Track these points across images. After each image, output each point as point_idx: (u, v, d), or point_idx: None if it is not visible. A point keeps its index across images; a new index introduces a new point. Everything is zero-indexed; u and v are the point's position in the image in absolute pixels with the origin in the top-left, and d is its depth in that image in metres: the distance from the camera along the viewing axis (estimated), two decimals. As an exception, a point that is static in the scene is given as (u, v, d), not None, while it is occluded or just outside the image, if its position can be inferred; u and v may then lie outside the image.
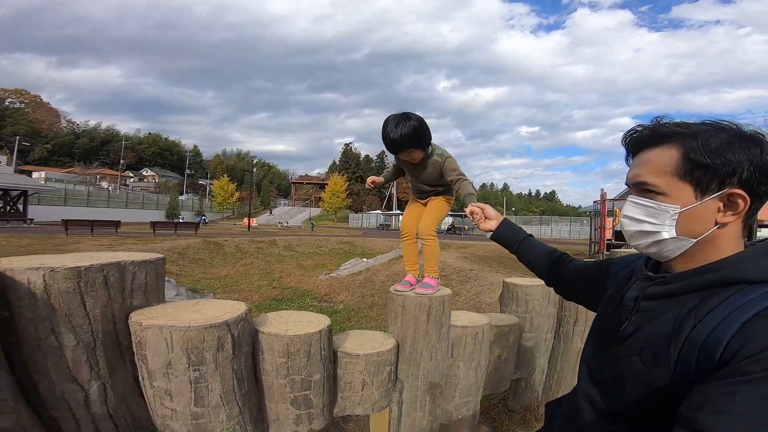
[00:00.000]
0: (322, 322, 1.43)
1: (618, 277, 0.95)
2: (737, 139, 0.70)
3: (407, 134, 1.61)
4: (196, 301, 1.33)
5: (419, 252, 1.97)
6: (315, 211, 58.05)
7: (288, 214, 55.27)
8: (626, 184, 0.83)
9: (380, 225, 43.65)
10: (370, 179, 2.04)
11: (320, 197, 61.27)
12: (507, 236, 1.30)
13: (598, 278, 1.04)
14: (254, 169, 44.94)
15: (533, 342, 2.49)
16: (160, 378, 1.10)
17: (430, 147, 1.74)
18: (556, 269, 1.22)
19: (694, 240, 0.73)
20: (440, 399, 1.89)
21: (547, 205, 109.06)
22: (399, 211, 48.76)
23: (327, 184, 56.78)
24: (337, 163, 78.13)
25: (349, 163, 75.06)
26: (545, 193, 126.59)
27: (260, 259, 13.45)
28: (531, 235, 1.32)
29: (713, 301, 0.68)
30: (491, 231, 1.33)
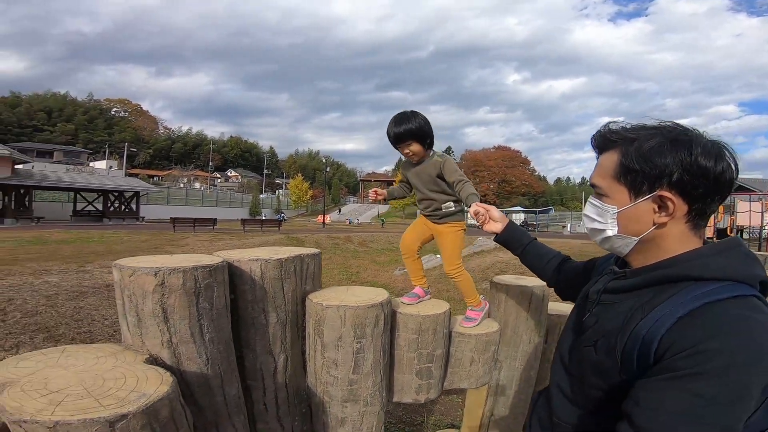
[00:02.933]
0: (444, 306, 1.72)
1: (598, 272, 0.99)
2: (668, 142, 0.72)
3: (410, 128, 1.68)
4: (346, 288, 1.68)
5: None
6: (383, 208, 59.17)
7: (357, 212, 56.95)
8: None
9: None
10: (372, 190, 2.04)
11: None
12: (513, 239, 1.32)
13: (586, 275, 1.08)
14: (327, 168, 46.96)
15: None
16: (332, 349, 1.43)
17: (431, 151, 1.77)
18: (557, 272, 1.24)
19: (636, 238, 0.77)
20: (533, 380, 2.10)
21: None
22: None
23: (394, 181, 57.53)
24: (403, 160, 78.62)
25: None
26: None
27: (338, 255, 14.25)
28: (535, 239, 1.33)
29: (661, 297, 0.70)
30: (496, 233, 1.34)
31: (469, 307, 1.84)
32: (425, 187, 1.79)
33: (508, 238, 1.33)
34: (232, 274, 1.36)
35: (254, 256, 1.38)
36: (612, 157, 0.78)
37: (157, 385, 0.90)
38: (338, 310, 1.38)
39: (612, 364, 0.71)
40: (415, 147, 1.72)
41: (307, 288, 1.56)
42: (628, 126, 0.79)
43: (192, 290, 1.09)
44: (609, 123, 0.82)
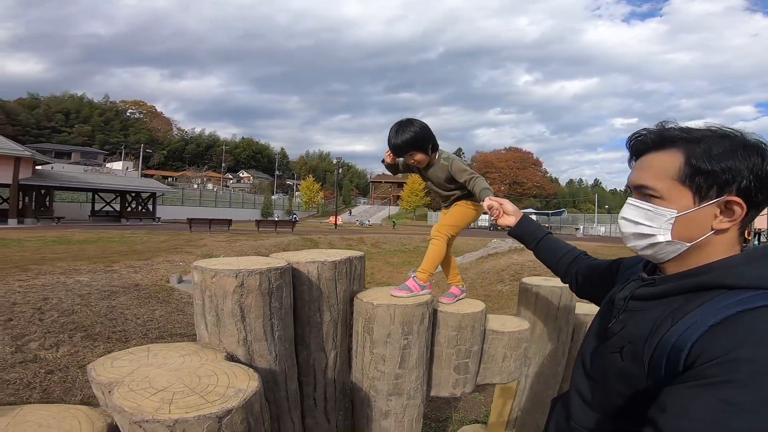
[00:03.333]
0: (480, 305, 1.81)
1: (624, 276, 0.97)
2: (740, 147, 0.70)
3: (407, 139, 1.66)
4: (387, 287, 1.80)
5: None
6: (394, 210, 59.25)
7: (368, 213, 57.15)
8: (627, 186, 0.84)
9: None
10: (388, 152, 1.85)
11: (399, 196, 62.49)
12: (527, 232, 1.31)
13: (609, 277, 1.05)
14: (339, 170, 47.29)
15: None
16: (380, 346, 1.54)
17: (437, 153, 1.76)
18: (572, 267, 1.22)
19: (689, 244, 0.74)
20: (560, 376, 2.19)
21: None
22: (479, 209, 47.83)
23: (405, 182, 57.70)
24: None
25: (426, 162, 74.96)
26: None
27: (351, 256, 14.38)
28: (550, 233, 1.32)
29: (692, 304, 0.69)
30: (509, 227, 1.33)
31: (413, 275, 1.72)
32: (440, 188, 1.82)
33: (522, 232, 1.32)
34: (293, 275, 1.48)
35: (310, 258, 1.49)
36: (670, 157, 0.74)
37: (247, 380, 0.97)
38: (388, 309, 1.49)
39: (639, 371, 0.70)
40: (419, 156, 1.72)
41: (354, 288, 1.67)
42: (681, 127, 0.76)
43: (266, 291, 1.20)
44: (662, 123, 0.79)
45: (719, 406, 0.57)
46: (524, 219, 1.33)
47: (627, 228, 0.81)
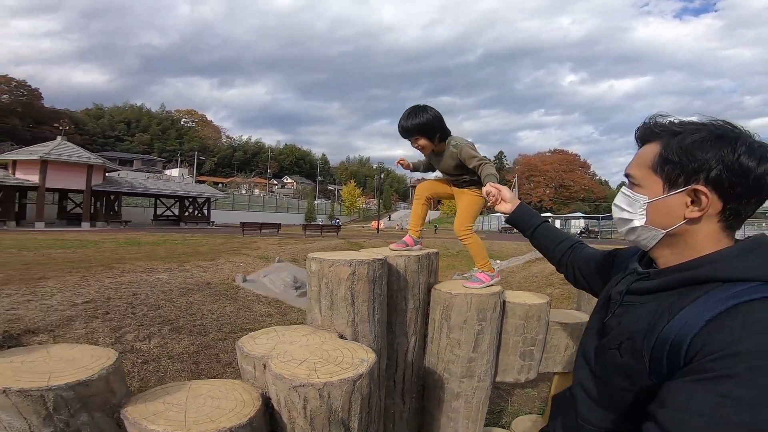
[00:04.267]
0: (545, 297, 1.98)
1: (620, 268, 0.98)
2: (712, 138, 0.71)
3: (416, 123, 1.70)
4: (457, 281, 2.03)
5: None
6: (434, 214, 59.01)
7: (408, 217, 57.12)
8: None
9: (502, 228, 42.54)
10: (398, 161, 2.10)
11: (439, 200, 62.04)
12: (523, 220, 1.33)
13: (605, 267, 1.07)
14: (382, 174, 47.93)
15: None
16: (457, 331, 1.76)
17: (446, 141, 1.80)
18: (567, 256, 1.24)
19: (663, 231, 0.77)
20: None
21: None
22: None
23: (446, 186, 57.14)
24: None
25: (468, 166, 74.12)
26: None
27: (395, 259, 14.63)
28: (547, 221, 1.34)
29: (688, 298, 0.69)
30: (506, 213, 1.36)
31: (479, 270, 1.84)
32: (450, 175, 1.89)
33: (518, 219, 1.34)
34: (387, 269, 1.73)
35: (398, 253, 1.76)
36: (652, 149, 0.78)
37: (365, 353, 1.17)
38: (465, 297, 1.72)
39: (639, 367, 0.71)
40: (423, 141, 1.76)
41: (431, 280, 1.92)
42: (675, 120, 0.79)
43: (372, 278, 1.46)
44: (655, 115, 0.82)
45: (719, 400, 0.57)
46: (521, 206, 1.35)
47: (615, 213, 0.85)
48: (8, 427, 0.93)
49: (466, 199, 1.87)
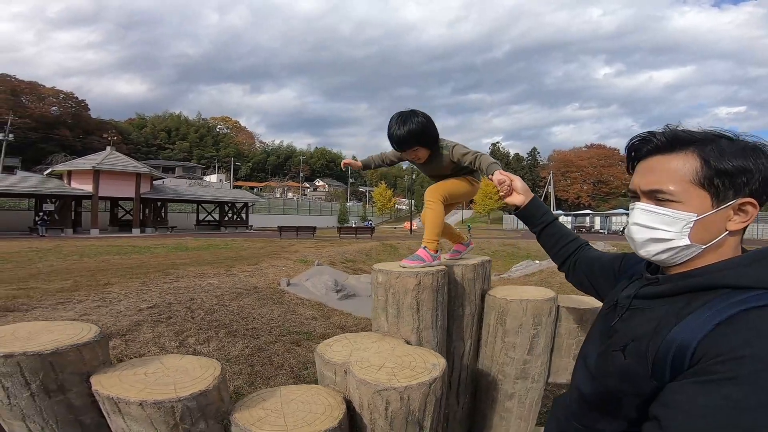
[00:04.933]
0: (598, 302, 2.06)
1: (627, 273, 0.98)
2: (748, 149, 0.71)
3: (413, 131, 1.54)
4: (510, 287, 2.12)
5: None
6: (467, 214, 58.39)
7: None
8: (631, 190, 0.82)
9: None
10: (344, 161, 1.94)
11: (472, 200, 61.62)
12: (535, 215, 1.29)
13: (611, 271, 1.05)
14: (414, 176, 47.96)
15: None
16: (512, 335, 1.84)
17: (437, 144, 1.66)
18: (573, 257, 1.21)
19: (704, 246, 0.74)
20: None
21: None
22: (560, 211, 45.44)
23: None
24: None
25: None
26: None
27: (430, 260, 14.68)
28: (557, 219, 1.30)
29: (696, 303, 0.70)
30: (517, 206, 1.30)
31: (423, 245, 1.68)
32: (436, 177, 1.78)
33: (530, 213, 1.29)
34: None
35: (452, 262, 1.88)
36: (686, 160, 0.73)
37: (435, 358, 1.25)
38: (521, 303, 1.81)
39: (642, 369, 0.71)
40: (421, 152, 1.64)
41: (484, 287, 2.03)
42: (694, 130, 0.76)
43: (435, 288, 1.58)
44: (668, 125, 0.79)
45: (722, 403, 0.57)
46: (535, 200, 1.30)
47: (641, 234, 0.78)
48: None
49: (455, 179, 1.75)
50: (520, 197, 1.29)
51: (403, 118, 1.56)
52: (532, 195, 1.30)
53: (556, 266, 1.30)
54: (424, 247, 1.67)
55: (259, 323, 5.27)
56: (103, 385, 1.02)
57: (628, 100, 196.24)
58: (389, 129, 1.59)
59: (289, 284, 7.40)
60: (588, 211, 44.89)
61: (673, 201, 0.74)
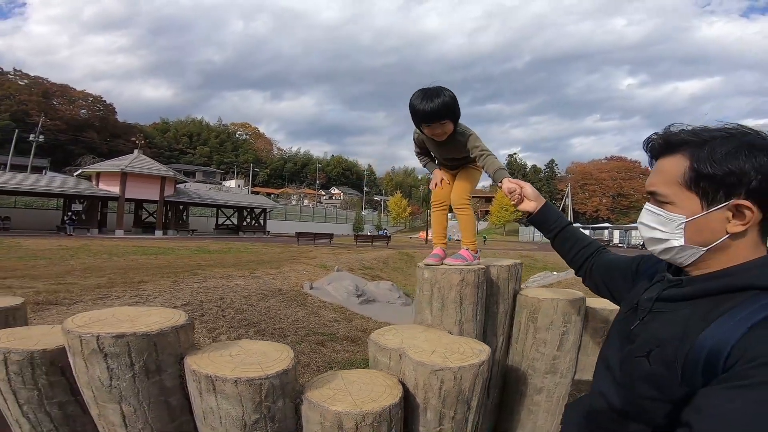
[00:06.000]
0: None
1: (646, 275, 0.95)
2: (745, 147, 0.68)
3: (446, 102, 1.51)
4: (542, 288, 2.28)
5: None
6: (482, 225, 58.09)
7: (454, 228, 56.60)
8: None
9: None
10: (434, 182, 1.86)
11: (487, 210, 61.31)
12: (548, 220, 1.28)
13: (629, 274, 1.04)
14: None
15: None
16: (543, 332, 1.96)
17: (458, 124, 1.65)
18: (589, 261, 1.20)
19: (704, 248, 0.73)
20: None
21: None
22: (578, 224, 44.90)
23: (494, 197, 56.43)
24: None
25: (515, 175, 72.20)
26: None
27: (447, 270, 14.75)
28: (571, 223, 1.29)
29: (724, 306, 0.68)
30: (529, 212, 1.29)
31: (465, 247, 1.83)
32: (447, 158, 1.81)
33: (542, 219, 1.29)
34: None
35: (488, 263, 2.05)
36: (678, 162, 0.74)
37: (479, 345, 1.39)
38: (552, 302, 1.96)
39: (671, 375, 0.69)
40: (449, 127, 1.59)
41: (516, 287, 2.19)
42: (691, 129, 0.76)
43: (476, 284, 1.75)
44: (670, 126, 0.79)
45: (757, 408, 0.56)
46: (547, 205, 1.29)
47: (645, 233, 0.81)
48: (225, 416, 1.04)
49: (467, 172, 1.82)
50: (531, 204, 1.29)
51: (431, 92, 1.53)
52: (543, 200, 1.30)
53: (573, 272, 1.29)
54: (467, 249, 1.81)
55: (285, 323, 5.48)
56: (199, 364, 1.08)
57: (652, 112, 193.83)
58: (415, 105, 1.54)
59: (312, 288, 7.62)
60: (606, 225, 44.22)
61: (666, 202, 0.76)
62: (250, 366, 1.08)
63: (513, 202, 1.32)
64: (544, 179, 71.26)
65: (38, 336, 1.28)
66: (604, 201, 65.77)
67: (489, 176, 1.61)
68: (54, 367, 1.19)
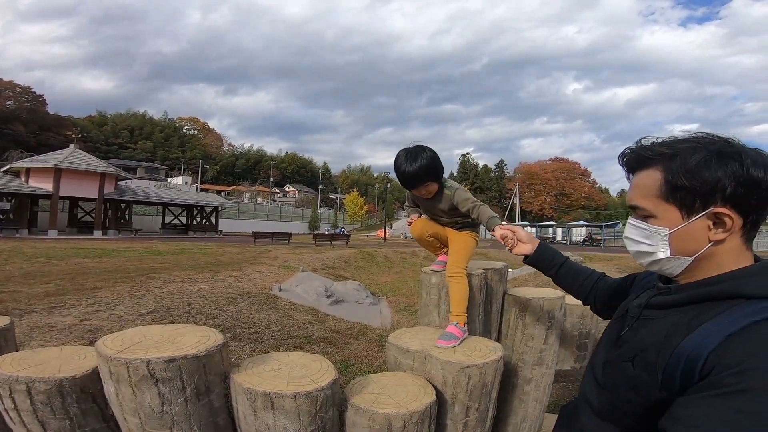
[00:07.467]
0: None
1: (639, 287, 0.98)
2: (714, 156, 0.69)
3: (425, 165, 1.57)
4: (526, 288, 2.51)
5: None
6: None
7: (405, 229, 57.69)
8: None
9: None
10: (408, 221, 1.94)
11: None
12: (546, 259, 1.30)
13: (624, 290, 1.06)
14: (388, 185, 48.45)
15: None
16: (531, 327, 2.10)
17: (442, 180, 1.71)
18: (593, 290, 1.23)
19: (690, 258, 0.74)
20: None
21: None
22: (526, 222, 47.28)
23: (447, 194, 57.68)
24: (455, 174, 78.89)
25: (467, 174, 74.96)
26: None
27: (407, 268, 14.99)
28: (568, 258, 1.31)
29: (710, 313, 0.68)
30: (525, 255, 1.31)
31: (453, 322, 1.67)
32: (442, 215, 1.83)
33: (539, 259, 1.30)
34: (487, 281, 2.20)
35: (483, 267, 2.24)
36: (653, 176, 0.75)
37: (492, 343, 1.63)
38: (539, 300, 2.18)
39: (651, 380, 0.70)
40: (432, 187, 1.67)
41: (504, 288, 2.40)
42: (661, 141, 0.77)
43: (480, 287, 1.92)
44: (641, 139, 0.80)
45: (733, 416, 0.56)
46: (542, 246, 1.31)
47: (631, 247, 0.82)
48: (283, 430, 1.04)
49: (464, 240, 1.82)
50: (526, 246, 1.31)
51: (412, 154, 1.59)
52: (537, 241, 1.32)
53: (551, 280, 1.34)
54: (455, 324, 1.66)
55: (260, 327, 5.41)
56: (251, 383, 1.07)
57: (593, 116, 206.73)
58: (398, 167, 1.61)
59: (281, 290, 7.54)
60: (551, 223, 46.99)
61: (649, 216, 0.78)
62: (301, 379, 1.10)
63: (507, 248, 1.34)
64: (494, 179, 74.25)
65: (53, 361, 1.20)
66: (548, 200, 69.73)
67: (482, 224, 1.69)
68: (85, 394, 1.13)
